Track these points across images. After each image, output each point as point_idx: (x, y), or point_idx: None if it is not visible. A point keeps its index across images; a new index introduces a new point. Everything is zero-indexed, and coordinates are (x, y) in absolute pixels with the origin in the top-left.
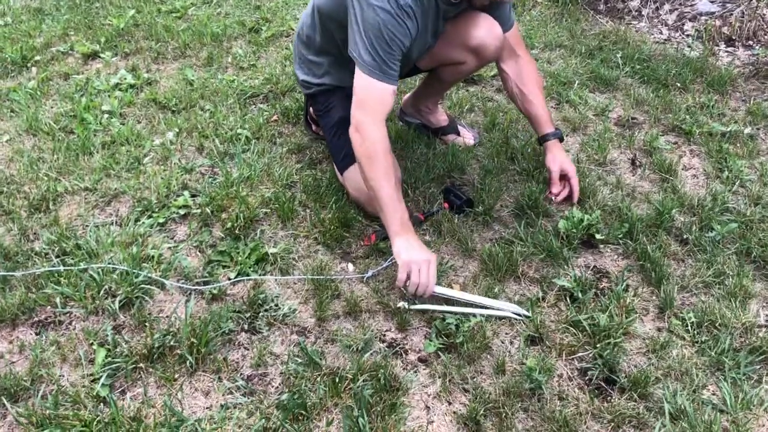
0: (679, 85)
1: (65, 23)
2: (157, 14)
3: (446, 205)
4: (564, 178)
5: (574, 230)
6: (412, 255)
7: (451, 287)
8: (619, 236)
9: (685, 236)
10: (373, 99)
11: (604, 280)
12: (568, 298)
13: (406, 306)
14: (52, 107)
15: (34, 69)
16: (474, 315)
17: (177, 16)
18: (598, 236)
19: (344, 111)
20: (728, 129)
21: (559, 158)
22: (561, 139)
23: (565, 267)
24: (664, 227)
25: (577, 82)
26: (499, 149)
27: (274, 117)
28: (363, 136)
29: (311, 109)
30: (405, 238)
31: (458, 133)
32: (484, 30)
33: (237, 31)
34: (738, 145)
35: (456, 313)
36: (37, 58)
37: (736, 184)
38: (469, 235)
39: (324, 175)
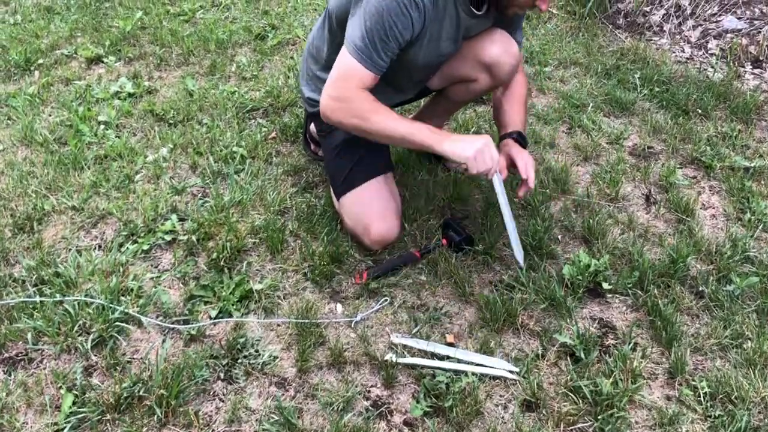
0: (700, 111)
1: (73, 24)
2: (165, 16)
3: (444, 241)
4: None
5: (580, 277)
6: (472, 146)
7: (445, 337)
8: (629, 285)
9: (700, 288)
10: (354, 78)
11: (610, 336)
12: (569, 357)
13: (394, 359)
14: (49, 115)
15: (36, 73)
16: (466, 374)
17: (184, 20)
18: (605, 285)
19: (348, 133)
20: (752, 164)
21: (505, 149)
22: (522, 144)
23: (569, 319)
24: (677, 277)
25: (591, 104)
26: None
27: (273, 134)
28: (348, 104)
29: (312, 127)
30: (449, 139)
31: None
32: (500, 47)
33: (243, 38)
34: (762, 182)
35: (447, 370)
36: (41, 61)
37: (759, 228)
38: (467, 277)
39: (318, 201)
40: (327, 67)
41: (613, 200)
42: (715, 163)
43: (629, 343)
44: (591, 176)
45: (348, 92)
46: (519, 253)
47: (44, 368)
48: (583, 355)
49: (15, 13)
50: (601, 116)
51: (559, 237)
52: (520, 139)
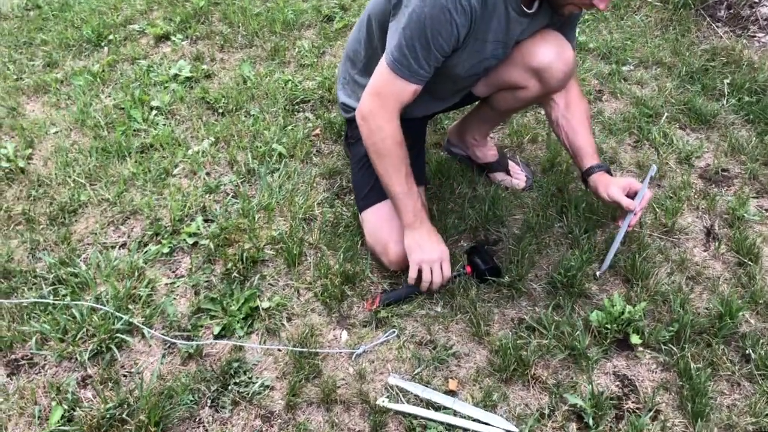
0: None
1: None
2: None
3: (468, 269)
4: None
5: (609, 326)
6: (423, 254)
7: (447, 382)
8: (664, 340)
9: (747, 351)
10: (391, 93)
11: (630, 399)
12: (578, 421)
13: (386, 404)
14: (108, 96)
15: (105, 49)
16: (460, 429)
17: None
18: (634, 339)
19: None
20: None
21: (612, 181)
22: (609, 173)
23: (588, 373)
24: (723, 335)
25: (665, 114)
26: (549, 200)
27: (316, 131)
28: (371, 128)
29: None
30: (417, 233)
31: (508, 172)
32: (553, 50)
33: (311, 18)
34: None
35: (440, 422)
36: (112, 36)
37: None
38: (486, 313)
39: (346, 211)
40: (364, 70)
41: (669, 232)
42: None
43: (650, 411)
44: (648, 201)
45: (380, 113)
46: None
47: (44, 374)
48: (591, 422)
49: None
50: (676, 128)
51: (597, 274)
52: (606, 169)
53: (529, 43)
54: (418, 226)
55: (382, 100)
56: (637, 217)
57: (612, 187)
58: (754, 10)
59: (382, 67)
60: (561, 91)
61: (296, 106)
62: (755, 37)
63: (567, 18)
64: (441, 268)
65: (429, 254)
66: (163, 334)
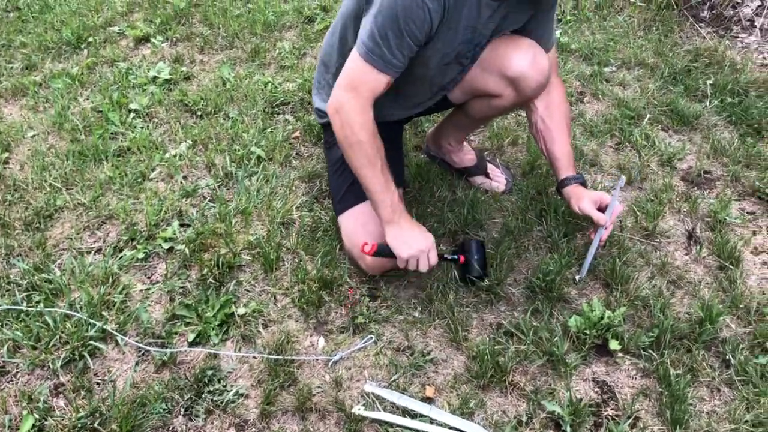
0: None
1: None
2: None
3: (462, 259)
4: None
5: (587, 331)
6: (411, 249)
7: (425, 389)
8: (643, 346)
9: (728, 356)
10: (363, 84)
11: (609, 405)
12: (555, 428)
13: (362, 412)
14: (86, 99)
15: (85, 51)
16: None
17: None
18: (613, 345)
19: None
20: None
21: (585, 195)
22: (584, 185)
23: (567, 379)
24: (703, 340)
25: (648, 116)
26: (528, 203)
27: (296, 133)
28: (343, 120)
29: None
30: (397, 226)
31: (488, 175)
32: (527, 58)
33: (292, 20)
34: None
35: (417, 431)
36: (92, 39)
37: None
38: (465, 317)
39: (325, 215)
40: (338, 75)
41: (650, 236)
42: None
43: (629, 418)
44: (629, 205)
45: (353, 105)
46: (583, 272)
47: (16, 383)
48: (569, 430)
49: None
50: (658, 130)
51: (576, 279)
52: (581, 181)
53: (503, 51)
54: (398, 219)
55: (354, 91)
56: (607, 231)
57: (583, 200)
58: (736, 10)
59: (354, 58)
60: (542, 95)
61: (276, 109)
62: (738, 37)
63: (542, 10)
64: (427, 259)
65: (416, 247)
66: (136, 342)
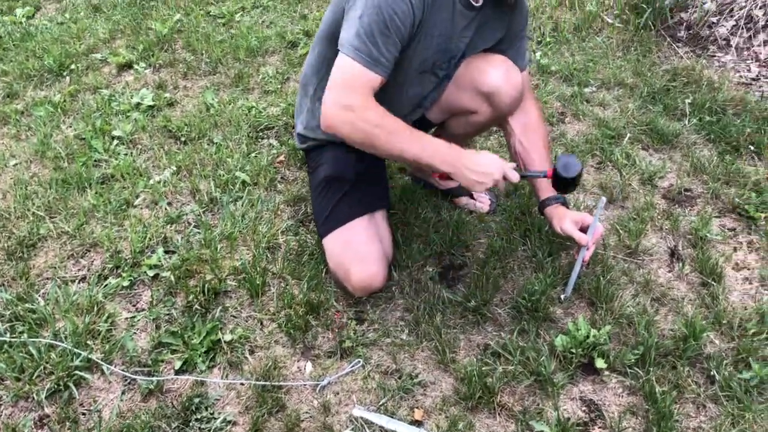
0: (752, 148)
1: (114, 24)
2: (205, 17)
3: (550, 172)
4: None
5: (573, 350)
6: (486, 178)
7: (413, 412)
8: (629, 363)
9: (712, 372)
10: (357, 81)
11: (597, 423)
12: None
13: None
14: (69, 127)
15: (67, 78)
16: None
17: (222, 22)
18: (599, 363)
19: (332, 169)
20: None
21: (567, 215)
22: (566, 206)
23: (554, 399)
24: (687, 357)
25: (628, 135)
26: (513, 223)
27: (281, 157)
28: (350, 118)
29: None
30: (463, 163)
31: (472, 196)
32: (500, 74)
33: (275, 45)
34: None
35: None
36: (74, 66)
37: None
38: (452, 339)
39: (310, 239)
40: (315, 97)
41: (633, 254)
42: (759, 214)
43: None
44: (611, 224)
45: (355, 101)
46: (568, 291)
47: (0, 414)
48: None
49: (64, 12)
50: (638, 149)
51: (561, 298)
52: (562, 201)
53: (477, 67)
54: (458, 154)
55: (349, 88)
56: (590, 251)
57: (565, 221)
58: (712, 30)
59: (341, 61)
60: (519, 117)
61: (260, 133)
62: (715, 56)
63: (513, 31)
64: (510, 175)
65: (491, 172)
66: (122, 370)
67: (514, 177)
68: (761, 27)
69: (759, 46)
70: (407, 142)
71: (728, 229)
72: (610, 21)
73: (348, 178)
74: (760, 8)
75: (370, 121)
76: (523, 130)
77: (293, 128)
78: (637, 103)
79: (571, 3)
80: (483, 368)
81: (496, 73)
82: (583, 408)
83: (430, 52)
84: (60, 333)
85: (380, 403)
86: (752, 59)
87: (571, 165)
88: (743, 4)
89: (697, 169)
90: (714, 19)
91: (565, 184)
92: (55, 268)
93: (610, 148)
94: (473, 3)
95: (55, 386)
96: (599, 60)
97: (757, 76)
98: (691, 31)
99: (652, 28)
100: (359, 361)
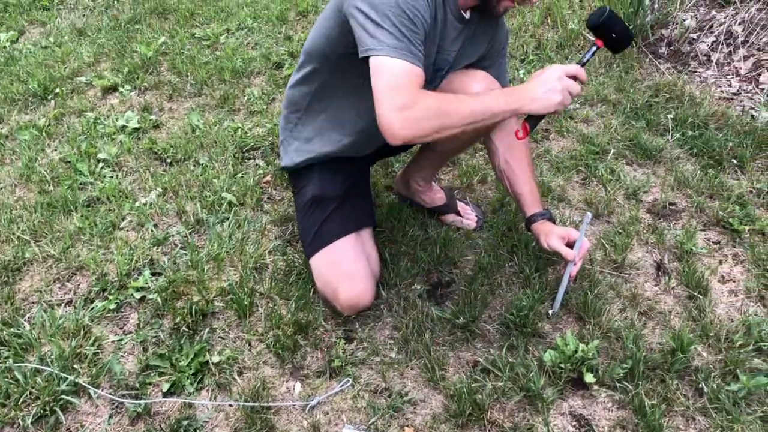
0: (735, 162)
1: (98, 48)
2: (190, 39)
3: (600, 42)
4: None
5: (562, 365)
6: (552, 94)
7: (403, 430)
8: (618, 377)
9: (701, 384)
10: (407, 79)
11: None
12: None
13: None
14: (54, 150)
15: (52, 102)
16: None
17: (207, 44)
18: (588, 378)
19: (319, 188)
20: None
21: (553, 230)
22: (552, 221)
23: (544, 414)
24: (676, 370)
25: (612, 151)
26: (500, 239)
27: (267, 177)
28: (413, 103)
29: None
30: (530, 98)
31: (459, 213)
32: (483, 86)
33: (260, 66)
34: None
35: None
36: (59, 90)
37: None
38: (441, 357)
39: (298, 259)
40: (307, 110)
41: (619, 268)
42: (743, 227)
43: None
44: (597, 238)
45: (410, 98)
46: (555, 306)
47: None
48: None
49: (49, 36)
50: (623, 164)
51: (549, 312)
52: (548, 217)
53: (459, 81)
54: (517, 89)
55: (403, 86)
56: (577, 267)
57: (551, 236)
58: (693, 46)
59: (384, 62)
60: (502, 136)
61: (246, 154)
62: (696, 72)
63: (494, 49)
64: (573, 78)
65: (556, 87)
66: (110, 394)
67: (577, 70)
68: (741, 42)
69: (739, 61)
70: (470, 102)
71: (713, 242)
72: (591, 38)
73: (334, 196)
74: (740, 24)
75: (433, 108)
76: (508, 148)
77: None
78: (621, 119)
79: (554, 21)
80: (472, 385)
81: (478, 88)
82: (573, 423)
83: (427, 61)
84: (46, 357)
85: (370, 422)
86: (733, 74)
87: (597, 12)
88: (723, 20)
89: (681, 184)
90: (694, 36)
91: (608, 30)
92: (40, 292)
93: (595, 164)
94: (464, 15)
95: (42, 411)
96: None
97: (738, 90)
98: (672, 48)
99: (634, 45)
100: (348, 380)
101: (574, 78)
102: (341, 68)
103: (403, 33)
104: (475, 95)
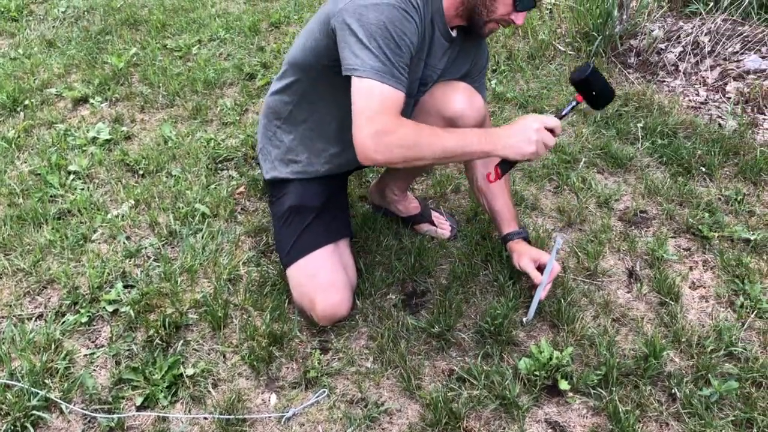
0: (704, 169)
1: (69, 59)
2: (161, 50)
3: (580, 97)
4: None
5: (537, 373)
6: (528, 143)
7: None
8: (592, 384)
9: (673, 390)
10: (388, 104)
11: None
12: None
13: None
14: (23, 163)
15: (22, 114)
16: None
17: (179, 56)
18: (563, 385)
19: (298, 198)
20: (754, 236)
21: (526, 251)
22: (527, 240)
23: (520, 422)
24: (649, 376)
25: (583, 160)
26: (474, 248)
27: (240, 189)
28: (391, 131)
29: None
30: (504, 137)
31: (433, 222)
32: (464, 99)
33: (233, 77)
34: (764, 258)
35: None
36: (28, 101)
37: (752, 315)
38: (417, 366)
39: (272, 269)
40: (288, 119)
41: (592, 275)
42: (712, 233)
43: None
44: (570, 247)
45: (388, 124)
46: (530, 315)
47: None
48: None
49: (18, 47)
50: (594, 173)
51: (523, 320)
52: (524, 236)
53: (441, 93)
54: (493, 132)
55: (382, 112)
56: (545, 290)
57: (524, 258)
58: (661, 56)
59: (362, 84)
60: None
61: (219, 165)
62: (664, 81)
63: (478, 66)
64: (549, 131)
65: (532, 136)
66: (82, 409)
67: (554, 123)
68: (707, 52)
69: (706, 71)
70: (445, 138)
71: (683, 249)
72: (562, 49)
73: (313, 206)
74: (706, 35)
75: (409, 138)
76: (484, 165)
77: (254, 158)
78: (591, 128)
79: (524, 32)
80: (448, 394)
81: (460, 99)
82: (549, 430)
83: (414, 77)
84: (16, 372)
85: None
86: (700, 84)
87: (581, 68)
88: (690, 30)
89: (651, 191)
90: (662, 46)
91: (589, 87)
92: (10, 306)
93: (567, 173)
94: (450, 34)
95: (12, 427)
96: (553, 87)
97: (705, 99)
98: (640, 58)
99: (603, 55)
100: (324, 391)
101: (551, 131)
102: (324, 80)
103: (388, 56)
104: (453, 131)
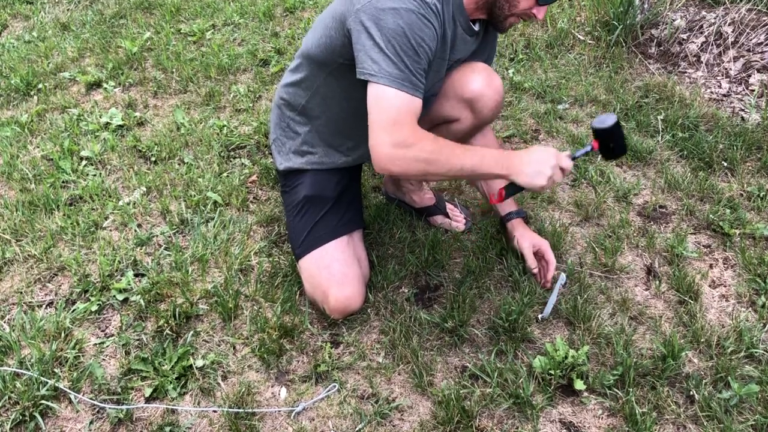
0: (725, 164)
1: (83, 43)
2: (176, 35)
3: (596, 145)
4: (537, 255)
5: (552, 372)
6: (540, 175)
7: None
8: (608, 384)
9: (692, 392)
10: (407, 113)
11: None
12: None
13: None
14: (36, 147)
15: (35, 98)
16: None
17: (193, 40)
18: (578, 385)
19: (312, 189)
20: None
21: (527, 235)
22: (526, 220)
23: (534, 422)
24: (666, 377)
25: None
26: (488, 242)
27: (253, 177)
28: (410, 144)
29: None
30: (518, 162)
31: (447, 215)
32: (483, 80)
33: (246, 63)
34: None
35: None
36: (42, 85)
37: None
38: (429, 361)
39: (284, 260)
40: (303, 113)
41: (609, 272)
42: (733, 230)
43: None
44: (587, 242)
45: (408, 137)
46: (547, 311)
47: None
48: None
49: (32, 30)
50: (613, 166)
51: (539, 316)
52: (523, 216)
53: (459, 75)
54: (510, 155)
55: (397, 125)
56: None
57: (524, 241)
58: (683, 46)
59: (379, 92)
60: (479, 140)
61: (232, 152)
62: (685, 73)
63: (491, 47)
64: (564, 167)
65: (545, 171)
66: (91, 399)
67: (568, 164)
68: (731, 43)
69: (729, 62)
70: (463, 156)
71: (704, 245)
72: (581, 38)
73: (328, 197)
74: (729, 25)
75: (427, 150)
76: (481, 141)
77: (267, 146)
78: None
79: (543, 20)
80: (461, 391)
81: (478, 79)
82: (563, 431)
83: (438, 77)
84: (26, 361)
85: (357, 429)
86: (723, 75)
87: (605, 118)
88: (712, 20)
89: (671, 186)
90: (684, 36)
91: (608, 138)
92: (21, 293)
93: (585, 165)
94: (473, 28)
95: (21, 417)
96: (572, 77)
97: (728, 92)
98: (661, 48)
99: (624, 44)
100: (335, 386)
101: (562, 169)
102: (339, 76)
103: (406, 63)
104: (471, 150)
